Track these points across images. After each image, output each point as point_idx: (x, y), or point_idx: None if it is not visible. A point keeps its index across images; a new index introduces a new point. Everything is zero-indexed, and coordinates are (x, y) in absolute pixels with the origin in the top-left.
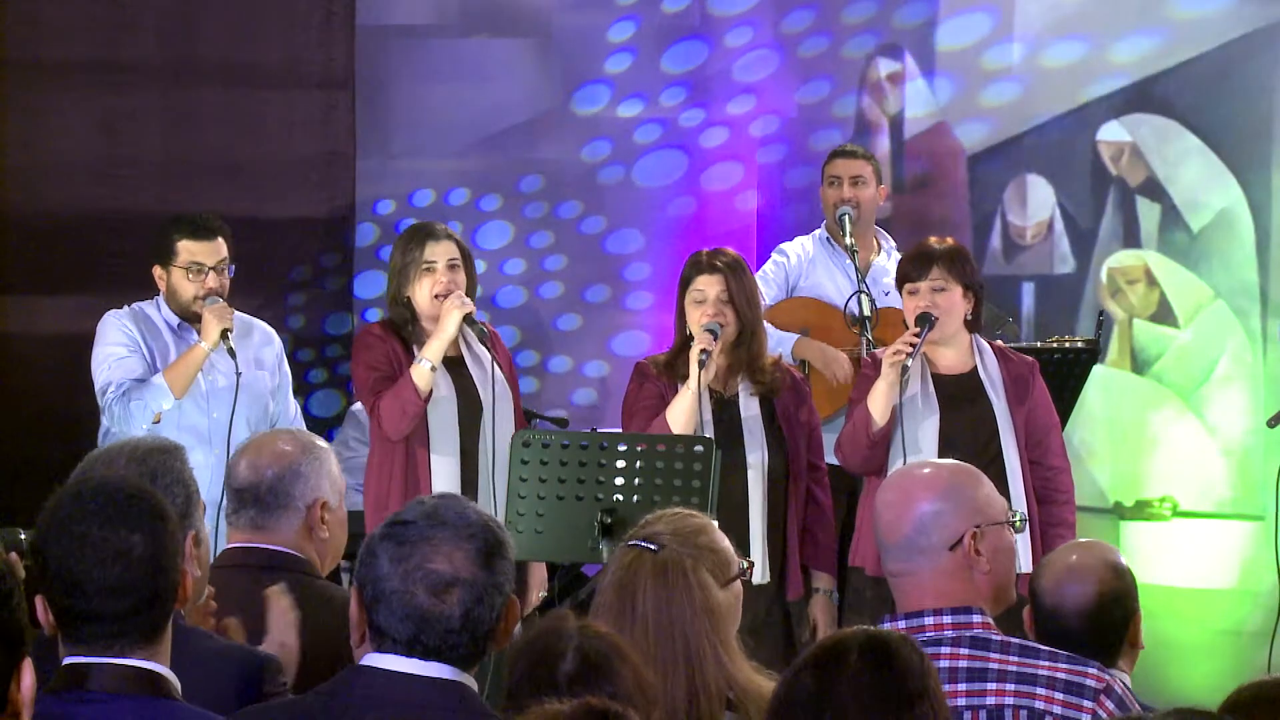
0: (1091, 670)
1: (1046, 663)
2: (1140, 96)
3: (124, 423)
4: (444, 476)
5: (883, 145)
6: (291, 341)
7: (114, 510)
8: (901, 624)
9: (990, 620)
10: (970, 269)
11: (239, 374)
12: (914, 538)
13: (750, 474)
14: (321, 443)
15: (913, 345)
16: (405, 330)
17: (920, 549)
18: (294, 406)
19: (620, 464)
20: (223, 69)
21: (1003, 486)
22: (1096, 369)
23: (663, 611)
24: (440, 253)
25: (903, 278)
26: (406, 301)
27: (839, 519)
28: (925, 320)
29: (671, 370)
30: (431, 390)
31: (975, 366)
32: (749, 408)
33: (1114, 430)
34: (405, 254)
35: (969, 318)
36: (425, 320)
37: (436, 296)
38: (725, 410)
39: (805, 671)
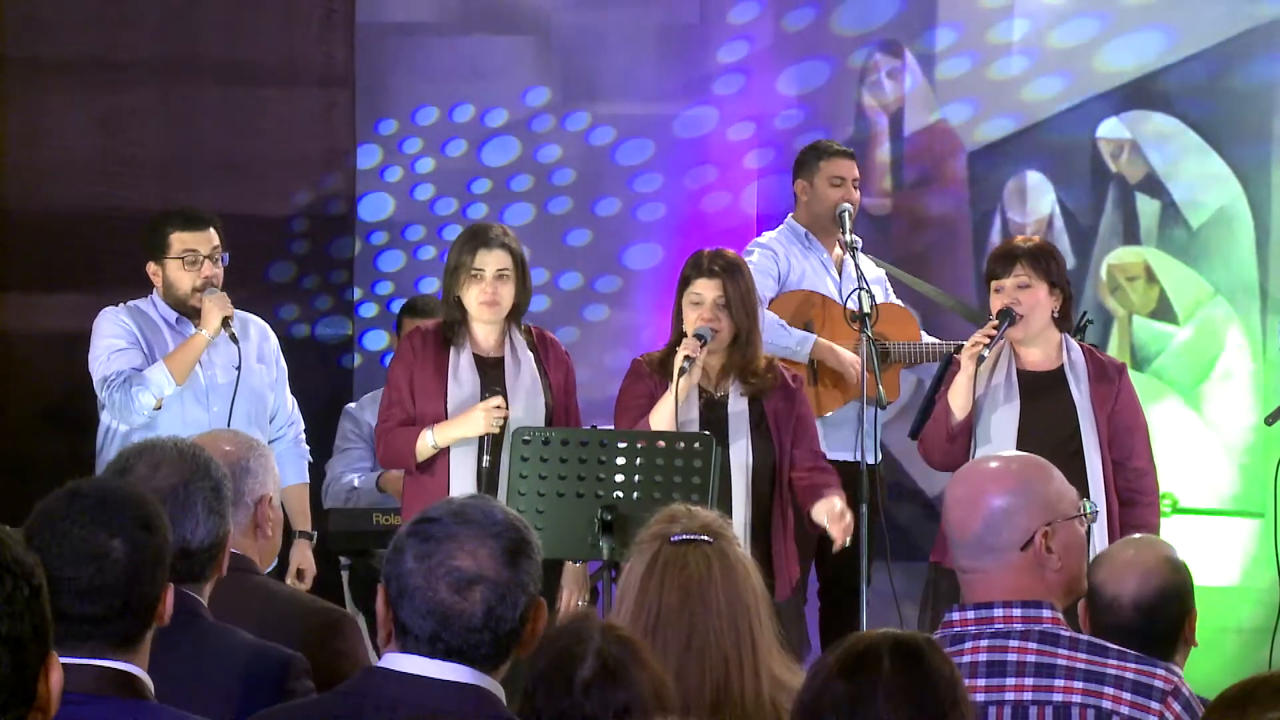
0: (1160, 671)
1: (1115, 661)
2: (1140, 93)
3: (124, 410)
4: (461, 473)
5: (883, 143)
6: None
7: (100, 513)
8: (970, 614)
9: (1060, 615)
10: (1056, 266)
11: (241, 360)
12: (984, 536)
13: (734, 472)
14: (262, 443)
15: (990, 338)
16: (452, 332)
17: (990, 547)
18: (290, 400)
19: (620, 461)
20: (222, 67)
21: (1082, 484)
22: None
23: (734, 602)
24: (490, 261)
25: (989, 275)
26: (457, 301)
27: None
28: (1006, 315)
29: (665, 369)
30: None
31: (1062, 364)
32: (736, 407)
33: None
34: (459, 256)
35: (1056, 315)
36: (474, 321)
37: (483, 304)
38: (713, 410)
39: (836, 679)
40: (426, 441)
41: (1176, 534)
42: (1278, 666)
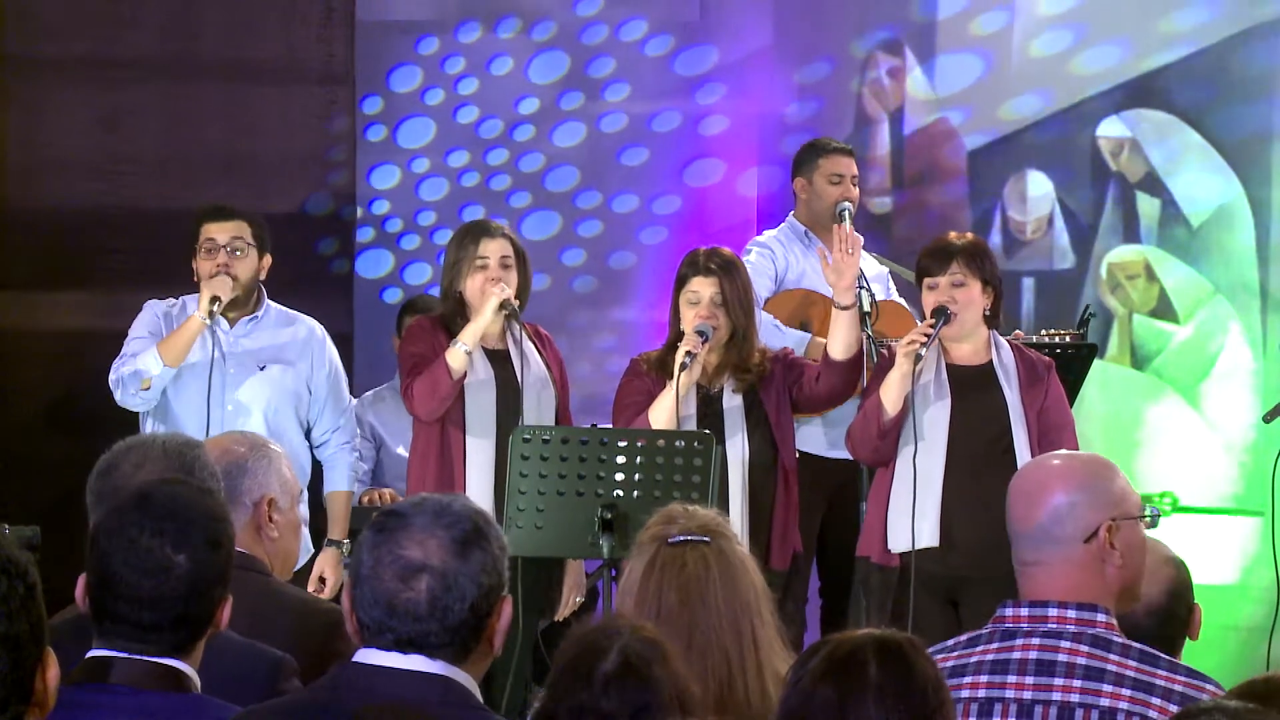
0: (1209, 687)
1: (1165, 673)
2: (1140, 91)
3: (119, 389)
4: (479, 462)
5: (883, 140)
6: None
7: (170, 524)
8: (1024, 611)
9: (1114, 621)
10: (990, 264)
11: (217, 338)
12: (1048, 527)
13: (730, 466)
14: (275, 445)
15: (927, 336)
16: (454, 325)
17: (1054, 539)
18: (343, 404)
19: (620, 460)
20: (223, 65)
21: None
22: (1096, 364)
23: (734, 601)
24: (493, 250)
25: (922, 272)
26: (458, 296)
27: (822, 511)
28: (941, 313)
29: (662, 367)
30: (465, 373)
31: (991, 360)
32: (731, 403)
33: (1113, 425)
34: (460, 249)
35: (987, 313)
36: (476, 315)
37: (491, 280)
38: (709, 405)
39: (822, 684)
40: (457, 350)
41: (1176, 532)
42: (1276, 664)
